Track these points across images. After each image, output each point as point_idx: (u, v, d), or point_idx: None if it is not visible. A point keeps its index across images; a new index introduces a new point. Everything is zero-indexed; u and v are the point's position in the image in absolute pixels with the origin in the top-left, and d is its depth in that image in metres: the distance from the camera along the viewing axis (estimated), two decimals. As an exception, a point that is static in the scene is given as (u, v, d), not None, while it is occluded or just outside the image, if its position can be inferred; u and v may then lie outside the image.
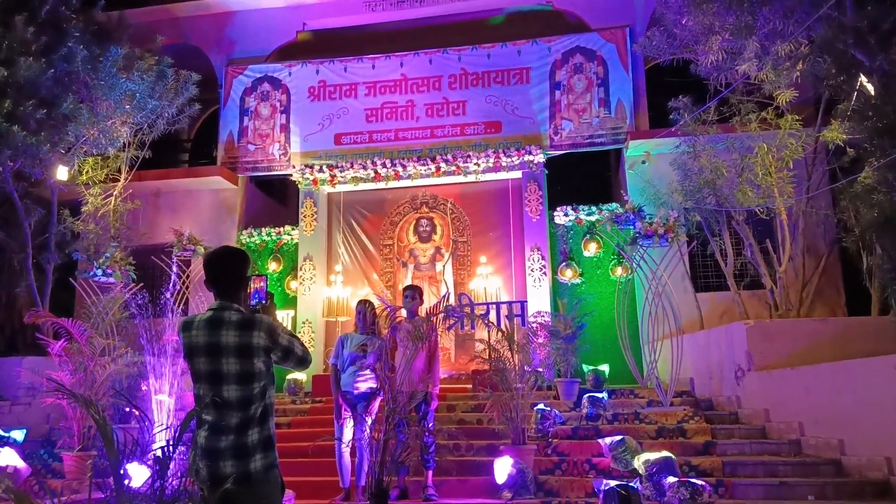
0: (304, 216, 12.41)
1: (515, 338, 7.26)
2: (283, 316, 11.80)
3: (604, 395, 8.32)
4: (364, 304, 6.63)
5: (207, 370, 3.00)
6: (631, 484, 5.33)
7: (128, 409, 8.31)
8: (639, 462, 5.85)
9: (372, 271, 12.44)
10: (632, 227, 9.91)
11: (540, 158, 11.75)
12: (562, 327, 9.67)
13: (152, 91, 10.96)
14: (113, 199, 11.52)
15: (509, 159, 11.76)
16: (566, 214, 11.74)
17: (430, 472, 6.34)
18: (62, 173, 10.72)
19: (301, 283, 12.15)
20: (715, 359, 8.90)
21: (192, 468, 3.03)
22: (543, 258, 11.46)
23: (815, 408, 6.95)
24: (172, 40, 13.14)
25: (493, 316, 9.69)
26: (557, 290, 11.45)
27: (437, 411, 6.80)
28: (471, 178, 12.01)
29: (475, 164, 11.84)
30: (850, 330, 7.96)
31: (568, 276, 11.55)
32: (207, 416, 2.99)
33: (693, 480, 5.37)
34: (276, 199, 14.29)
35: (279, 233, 12.68)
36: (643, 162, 11.48)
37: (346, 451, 6.19)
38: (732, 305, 10.06)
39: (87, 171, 11.37)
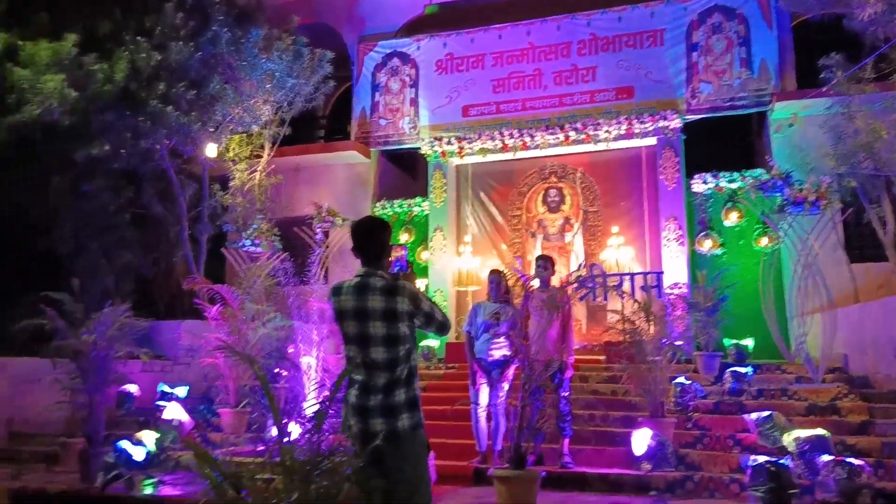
0: (434, 188, 12.57)
1: (652, 309, 7.06)
2: (417, 285, 12.07)
3: (748, 369, 7.96)
4: (497, 274, 6.66)
5: (356, 333, 3.14)
6: (781, 461, 5.08)
7: (276, 371, 8.86)
8: (789, 439, 5.56)
9: (501, 242, 12.46)
10: (779, 194, 9.34)
11: (676, 124, 11.27)
12: (701, 299, 9.31)
13: (290, 70, 11.43)
14: (257, 174, 12.16)
15: (643, 125, 11.36)
16: (705, 182, 11.23)
17: (567, 441, 6.33)
18: (211, 150, 11.43)
19: (432, 254, 12.37)
20: (871, 334, 8.27)
21: (345, 425, 3.18)
22: (680, 228, 11.03)
23: None
24: (306, 20, 13.56)
25: (626, 287, 9.50)
26: (696, 261, 11.00)
27: (570, 381, 6.76)
28: (601, 146, 11.71)
29: (605, 131, 11.52)
30: None
31: (707, 246, 11.06)
32: (357, 376, 3.13)
33: (850, 460, 5.04)
34: (406, 171, 14.57)
35: (410, 205, 12.95)
36: (790, 125, 10.78)
37: (483, 415, 6.29)
38: (891, 277, 9.29)
39: (233, 149, 12.06)
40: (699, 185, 11.26)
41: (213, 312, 8.15)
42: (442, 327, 3.31)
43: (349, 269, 11.93)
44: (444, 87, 12.94)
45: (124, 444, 6.03)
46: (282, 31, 11.69)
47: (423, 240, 12.76)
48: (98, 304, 7.86)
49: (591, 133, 11.57)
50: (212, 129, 10.75)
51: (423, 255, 12.66)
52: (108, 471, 5.59)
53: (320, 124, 14.93)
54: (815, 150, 9.77)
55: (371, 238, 3.28)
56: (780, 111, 10.75)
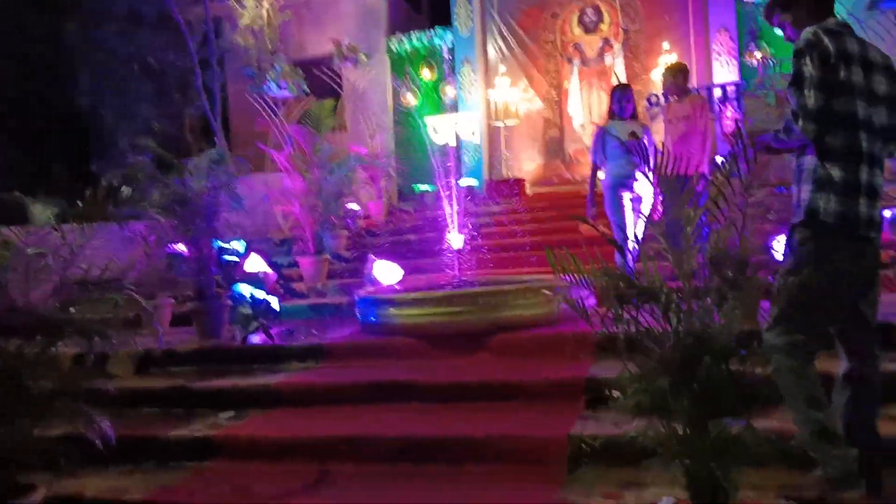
0: (459, 15, 11.56)
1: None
2: (445, 121, 11.32)
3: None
4: (626, 89, 6.10)
5: (866, 85, 2.60)
6: None
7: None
8: None
9: (534, 70, 11.69)
10: None
11: (727, -81, 10.37)
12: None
13: None
14: (264, 11, 10.93)
15: (689, -75, 10.43)
16: (756, -13, 10.50)
17: None
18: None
19: (461, 89, 11.57)
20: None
21: (832, 210, 2.55)
22: (732, 39, 10.43)
23: None
24: None
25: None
26: (746, 75, 10.49)
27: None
28: (643, -47, 10.78)
29: (648, -65, 10.57)
30: None
31: (758, 58, 10.54)
32: (860, 144, 2.57)
33: None
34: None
35: (430, 37, 11.94)
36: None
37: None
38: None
39: (235, -19, 10.73)
40: (749, -10, 10.53)
41: (283, 159, 7.40)
42: None
43: (370, 112, 11.19)
44: None
45: (259, 293, 5.53)
46: None
47: (446, 75, 11.90)
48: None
49: (632, -61, 10.61)
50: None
51: (448, 91, 11.85)
52: (246, 323, 5.13)
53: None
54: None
55: None
56: None
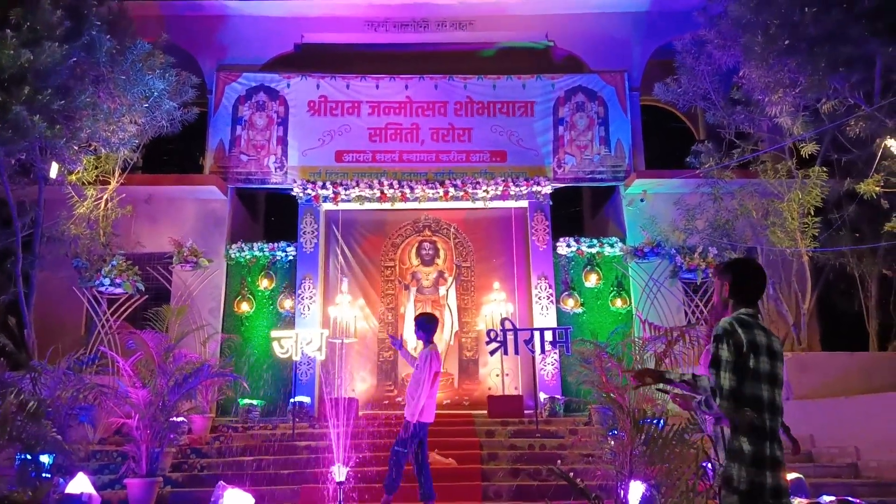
0: (305, 233, 11.96)
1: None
2: (286, 334, 11.19)
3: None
4: None
5: (769, 372, 3.13)
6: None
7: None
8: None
9: (372, 292, 12.16)
10: (647, 260, 10.59)
11: (548, 189, 12.10)
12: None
13: (167, 91, 10.23)
14: (103, 202, 10.55)
15: (518, 188, 12.01)
16: (568, 245, 12.08)
17: None
18: (53, 170, 9.78)
19: (300, 303, 11.64)
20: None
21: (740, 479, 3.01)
22: (550, 286, 11.74)
23: (874, 434, 7.60)
24: (152, 38, 12.23)
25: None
26: (561, 319, 11.70)
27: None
28: (478, 204, 12.10)
29: (484, 190, 11.97)
30: (875, 363, 8.82)
31: (570, 305, 11.88)
32: (766, 423, 3.06)
33: (850, 498, 5.74)
34: (267, 213, 13.72)
35: (273, 249, 12.09)
36: (641, 200, 12.08)
37: None
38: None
39: (77, 172, 10.34)
40: (563, 248, 12.08)
41: (128, 366, 6.80)
42: None
43: (199, 317, 10.82)
44: (316, 129, 12.50)
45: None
46: (154, 47, 10.45)
47: (284, 287, 11.99)
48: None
49: (470, 191, 11.94)
50: (76, 147, 9.16)
51: (286, 304, 11.87)
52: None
53: (168, 153, 13.41)
54: (668, 224, 11.04)
55: (763, 281, 3.39)
56: (635, 187, 12.02)
